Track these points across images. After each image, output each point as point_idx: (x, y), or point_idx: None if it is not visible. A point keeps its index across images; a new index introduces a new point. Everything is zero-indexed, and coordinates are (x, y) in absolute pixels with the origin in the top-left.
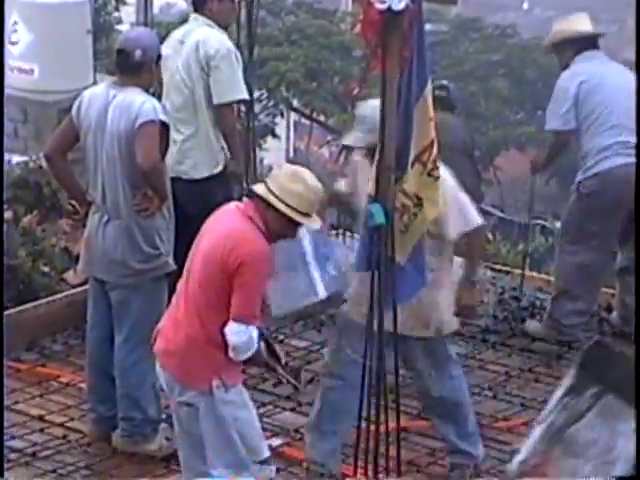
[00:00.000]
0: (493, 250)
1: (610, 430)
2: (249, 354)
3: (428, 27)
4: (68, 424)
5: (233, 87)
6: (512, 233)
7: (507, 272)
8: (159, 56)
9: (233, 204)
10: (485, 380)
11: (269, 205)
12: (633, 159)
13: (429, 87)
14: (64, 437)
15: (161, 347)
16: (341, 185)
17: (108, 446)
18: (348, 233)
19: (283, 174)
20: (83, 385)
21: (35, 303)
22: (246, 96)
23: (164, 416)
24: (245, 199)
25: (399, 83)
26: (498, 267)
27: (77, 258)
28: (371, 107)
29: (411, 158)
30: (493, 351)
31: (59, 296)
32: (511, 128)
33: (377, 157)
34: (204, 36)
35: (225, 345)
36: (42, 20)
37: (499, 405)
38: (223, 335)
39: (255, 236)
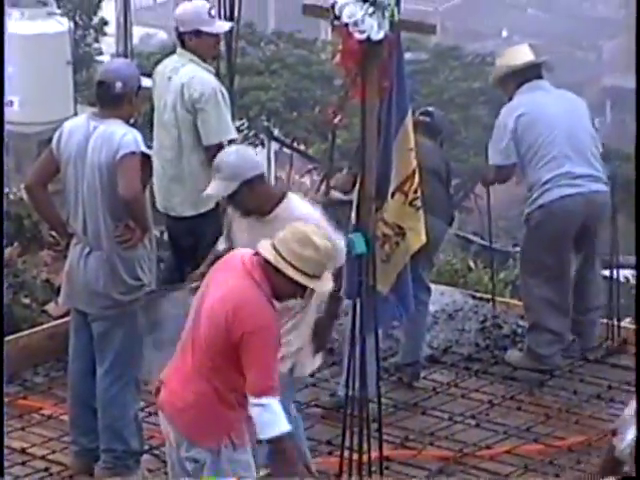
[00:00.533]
0: (475, 278)
1: None
2: (277, 431)
3: (408, 56)
4: (50, 457)
5: (220, 128)
6: (494, 261)
7: (488, 300)
8: (139, 87)
9: (239, 258)
10: (468, 408)
11: (278, 270)
12: (577, 189)
13: (409, 117)
14: (46, 470)
15: (167, 400)
16: (220, 244)
17: (90, 478)
18: None
19: (292, 238)
20: (65, 417)
21: (16, 335)
22: (234, 135)
23: (146, 447)
24: (252, 257)
25: (379, 112)
26: (479, 295)
27: (58, 290)
28: (228, 154)
29: (392, 188)
30: (476, 379)
31: (41, 328)
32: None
33: (357, 186)
34: (188, 78)
35: (236, 404)
36: (22, 51)
37: (482, 433)
38: (233, 394)
39: (260, 304)
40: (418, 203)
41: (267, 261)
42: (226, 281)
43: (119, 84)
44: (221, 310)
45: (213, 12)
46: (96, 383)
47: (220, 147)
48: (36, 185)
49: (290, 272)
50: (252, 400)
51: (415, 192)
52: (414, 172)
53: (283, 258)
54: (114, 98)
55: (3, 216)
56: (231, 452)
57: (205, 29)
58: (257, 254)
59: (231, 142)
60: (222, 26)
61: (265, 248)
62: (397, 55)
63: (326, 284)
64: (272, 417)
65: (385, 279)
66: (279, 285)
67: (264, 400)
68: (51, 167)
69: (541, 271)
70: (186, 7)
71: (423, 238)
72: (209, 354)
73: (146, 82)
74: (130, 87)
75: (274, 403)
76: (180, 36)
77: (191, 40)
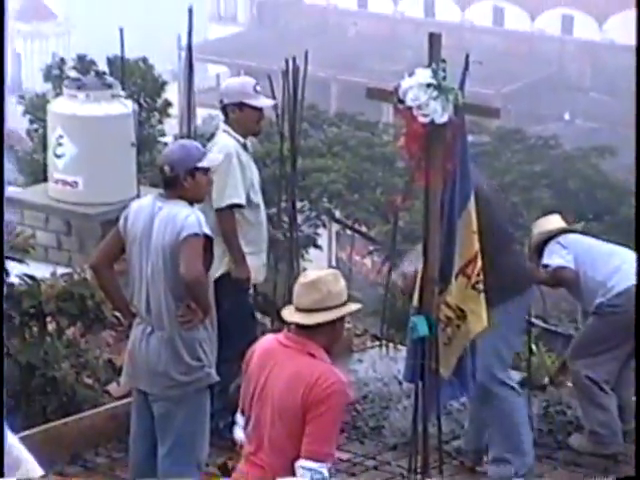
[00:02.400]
0: (538, 362)
1: None
2: None
3: (470, 139)
4: None
5: (228, 192)
6: (556, 344)
7: (551, 384)
8: (196, 168)
9: (275, 342)
10: None
11: (319, 325)
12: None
13: (472, 200)
14: None
15: None
16: None
17: None
18: (391, 344)
19: (303, 291)
20: None
21: (78, 416)
22: (241, 201)
23: None
24: (285, 335)
25: (442, 195)
26: (544, 381)
27: (120, 370)
28: None
29: (455, 270)
30: (539, 464)
31: (102, 408)
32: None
33: (421, 269)
34: (211, 145)
35: None
36: (86, 133)
37: None
38: None
39: (328, 372)
40: (480, 286)
41: (303, 326)
42: (283, 367)
43: (167, 168)
44: (295, 392)
45: (259, 88)
46: (157, 464)
47: (228, 211)
48: (102, 264)
49: (326, 317)
50: (306, 463)
51: (478, 275)
52: (476, 255)
53: (317, 310)
54: (167, 181)
55: (3, 223)
56: None
57: (249, 102)
58: (287, 329)
59: (237, 206)
60: (266, 102)
61: (291, 315)
62: (461, 138)
63: (354, 304)
64: None
65: (446, 362)
66: (323, 337)
67: (322, 466)
68: (117, 247)
69: (603, 353)
70: (232, 81)
71: (485, 322)
72: (296, 445)
73: (209, 160)
74: (178, 170)
75: (326, 472)
76: (224, 109)
77: (234, 112)
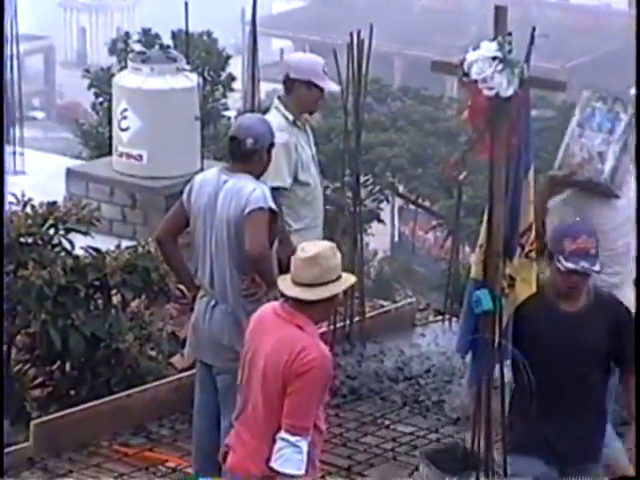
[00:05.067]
0: None
1: None
2: (298, 471)
3: (534, 113)
4: None
5: (270, 175)
6: None
7: None
8: (272, 144)
9: (271, 312)
10: None
11: (313, 301)
12: None
13: (532, 172)
14: None
15: (237, 465)
16: None
17: None
18: (454, 318)
19: (302, 266)
20: (190, 470)
21: (142, 387)
22: (284, 184)
23: None
24: (282, 305)
25: (506, 169)
26: None
27: (184, 342)
28: None
29: (516, 242)
30: None
31: (166, 380)
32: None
33: (484, 243)
34: None
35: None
36: (150, 106)
37: None
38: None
39: (312, 345)
40: (533, 254)
41: (299, 300)
42: (270, 336)
43: (250, 140)
44: (277, 362)
45: (327, 70)
46: (220, 436)
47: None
48: (166, 237)
49: (326, 293)
50: (286, 435)
51: (531, 244)
52: (531, 225)
53: (318, 285)
54: (245, 154)
55: (3, 217)
56: None
57: (318, 82)
58: (284, 300)
59: (279, 189)
60: (333, 86)
61: (289, 289)
62: (525, 112)
63: (350, 277)
64: (300, 458)
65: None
66: (321, 311)
67: (299, 440)
68: (181, 220)
69: None
70: (304, 57)
71: (534, 288)
72: (277, 417)
73: (280, 137)
74: (261, 144)
75: (305, 446)
76: (288, 82)
77: (299, 89)
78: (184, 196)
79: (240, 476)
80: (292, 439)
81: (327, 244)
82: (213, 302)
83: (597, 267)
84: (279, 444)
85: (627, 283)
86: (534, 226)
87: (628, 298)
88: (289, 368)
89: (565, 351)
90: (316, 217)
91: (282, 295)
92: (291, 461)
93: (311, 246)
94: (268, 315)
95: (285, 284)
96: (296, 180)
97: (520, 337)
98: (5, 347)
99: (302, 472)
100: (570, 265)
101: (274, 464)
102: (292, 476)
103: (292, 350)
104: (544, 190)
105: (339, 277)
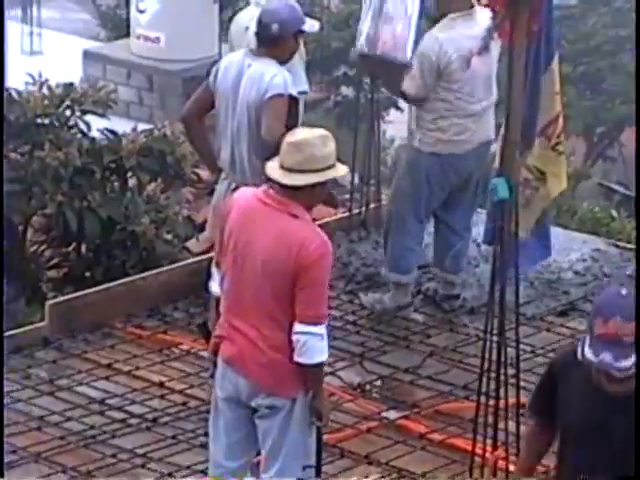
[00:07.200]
0: (618, 227)
1: None
2: (324, 357)
3: (556, 1)
4: (188, 391)
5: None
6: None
7: (631, 249)
8: (300, 31)
9: (254, 198)
10: None
11: (302, 187)
12: None
13: (556, 61)
14: (184, 404)
15: (241, 356)
16: None
17: None
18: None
19: (287, 150)
20: (203, 353)
21: (157, 270)
22: (306, 89)
23: None
24: (266, 191)
25: (526, 57)
26: (623, 244)
27: (199, 226)
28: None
29: (535, 131)
30: None
31: (181, 264)
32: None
33: (502, 131)
34: None
35: None
36: None
37: None
38: None
39: (314, 234)
40: (561, 148)
41: (287, 186)
42: (265, 227)
43: (275, 26)
44: (280, 255)
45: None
46: None
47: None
48: (192, 118)
49: (306, 180)
50: (306, 327)
51: (558, 137)
52: (558, 116)
53: (298, 172)
54: (270, 39)
55: (3, 204)
56: (303, 398)
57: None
58: (269, 185)
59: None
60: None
61: (274, 173)
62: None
63: (342, 168)
64: (324, 344)
65: (524, 224)
66: (306, 198)
67: (320, 329)
68: (207, 101)
69: None
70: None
71: (564, 184)
72: (281, 305)
73: (310, 26)
74: (286, 30)
75: (325, 331)
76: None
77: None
78: (210, 78)
79: (242, 368)
80: (314, 329)
81: (318, 132)
82: (234, 185)
83: (625, 362)
84: (302, 337)
85: None
86: (561, 117)
87: None
88: (294, 261)
89: (598, 439)
90: None
91: (267, 179)
92: (317, 350)
93: (301, 132)
94: (254, 203)
95: (271, 166)
96: None
97: (551, 398)
98: (21, 227)
99: (327, 355)
100: (589, 355)
101: (300, 358)
102: (321, 363)
103: (294, 242)
104: None
105: (328, 167)
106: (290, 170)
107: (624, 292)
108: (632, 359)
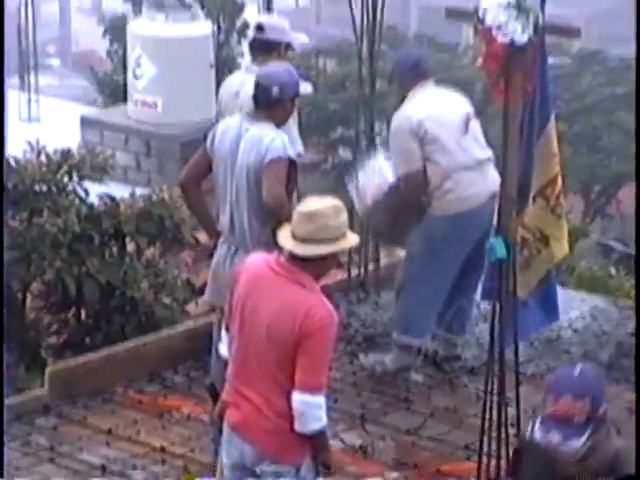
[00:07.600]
0: (616, 285)
1: None
2: (319, 427)
3: (550, 60)
4: (189, 455)
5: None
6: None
7: (630, 307)
8: (296, 93)
9: (265, 266)
10: None
11: (310, 258)
12: None
13: (552, 122)
14: (185, 469)
15: (245, 423)
16: None
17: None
18: None
19: (299, 220)
20: (204, 417)
21: (157, 335)
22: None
23: None
24: (277, 260)
25: (521, 117)
26: (622, 302)
27: (199, 290)
28: None
29: (533, 192)
30: (616, 385)
31: (181, 328)
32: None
33: (499, 190)
34: None
35: None
36: (165, 54)
37: None
38: None
39: (319, 304)
40: (559, 210)
41: (297, 256)
42: (273, 295)
43: (275, 89)
44: (285, 323)
45: None
46: None
47: None
48: (190, 182)
49: (318, 251)
50: (303, 396)
51: (557, 198)
52: (556, 177)
53: (310, 241)
54: (269, 101)
55: (3, 216)
56: (309, 463)
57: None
58: (280, 253)
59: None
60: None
61: (286, 243)
62: (541, 59)
63: (353, 237)
64: (321, 412)
65: (524, 285)
66: (316, 268)
67: (317, 398)
68: (205, 165)
69: None
70: (276, 19)
71: (566, 249)
72: (286, 372)
73: (304, 88)
74: (285, 93)
75: (323, 400)
76: (276, 46)
77: (283, 51)
78: (207, 142)
79: (248, 434)
80: (311, 399)
81: (331, 202)
82: (234, 248)
83: (576, 443)
84: (299, 407)
85: None
86: (559, 178)
87: None
88: (298, 329)
89: None
90: None
91: (278, 247)
92: (314, 419)
93: (313, 202)
94: (264, 270)
95: (283, 235)
96: None
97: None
98: (20, 294)
99: (325, 421)
100: (537, 434)
101: (298, 427)
102: (321, 431)
103: (300, 311)
104: None
105: (340, 236)
106: (303, 240)
107: (577, 370)
108: (583, 439)
